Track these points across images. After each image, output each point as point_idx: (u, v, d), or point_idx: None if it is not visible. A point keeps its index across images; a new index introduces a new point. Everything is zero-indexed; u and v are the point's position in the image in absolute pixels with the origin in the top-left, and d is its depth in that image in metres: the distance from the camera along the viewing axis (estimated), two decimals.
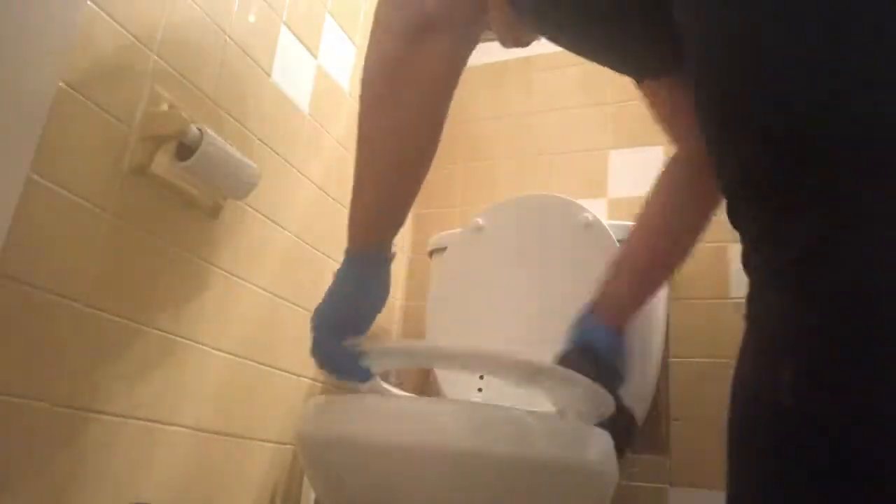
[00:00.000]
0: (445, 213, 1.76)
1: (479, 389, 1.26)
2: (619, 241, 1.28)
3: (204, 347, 1.09)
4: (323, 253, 1.41)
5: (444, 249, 1.44)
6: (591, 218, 1.31)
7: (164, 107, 0.99)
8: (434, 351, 0.91)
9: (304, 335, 1.33)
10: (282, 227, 1.28)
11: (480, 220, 1.41)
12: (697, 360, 1.40)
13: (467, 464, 0.86)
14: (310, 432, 0.94)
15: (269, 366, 1.24)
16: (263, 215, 1.23)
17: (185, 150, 0.99)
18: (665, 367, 1.40)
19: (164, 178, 0.99)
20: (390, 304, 1.65)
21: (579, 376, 0.95)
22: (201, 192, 1.06)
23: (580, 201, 1.35)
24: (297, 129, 1.33)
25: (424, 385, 1.55)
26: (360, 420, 0.89)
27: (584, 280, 1.26)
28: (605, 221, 1.31)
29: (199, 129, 0.99)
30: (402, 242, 1.74)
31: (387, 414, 0.89)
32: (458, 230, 1.45)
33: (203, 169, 1.00)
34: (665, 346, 1.37)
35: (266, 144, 1.23)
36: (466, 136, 1.81)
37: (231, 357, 1.15)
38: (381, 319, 1.60)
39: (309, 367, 1.35)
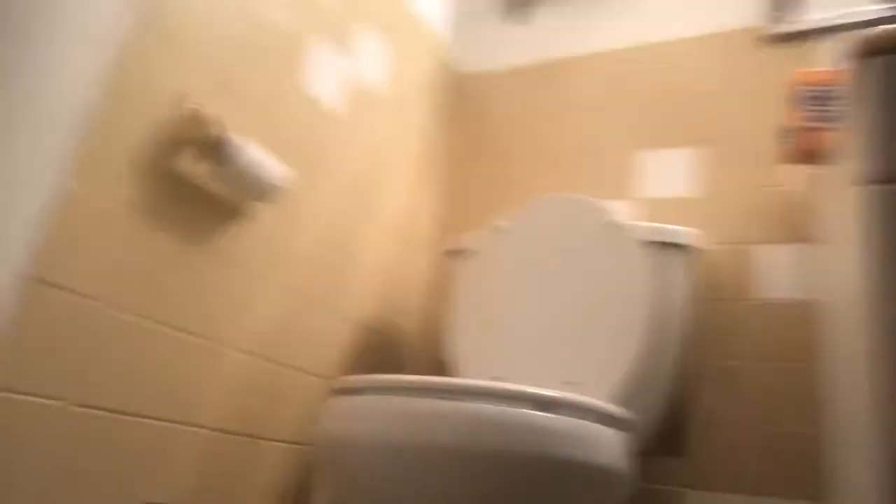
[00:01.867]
0: (470, 216, 1.76)
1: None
2: (645, 243, 1.27)
3: (223, 347, 1.11)
4: (349, 255, 1.42)
5: (467, 251, 1.45)
6: (617, 220, 1.29)
7: (192, 109, 1.02)
8: (451, 386, 0.93)
9: (324, 336, 1.36)
10: (308, 229, 1.30)
11: (505, 222, 1.41)
12: (718, 362, 1.38)
13: (481, 464, 0.86)
14: (325, 432, 0.95)
15: (289, 366, 1.26)
16: (290, 217, 1.25)
17: (213, 152, 1.01)
18: (684, 368, 1.37)
19: (191, 180, 1.02)
20: (409, 306, 1.68)
21: (593, 402, 0.94)
22: (228, 194, 1.08)
23: (607, 203, 1.34)
24: (327, 131, 1.35)
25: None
26: (373, 420, 0.90)
27: (610, 282, 1.26)
28: (633, 223, 1.30)
29: (227, 132, 1.01)
30: (425, 244, 1.75)
31: (402, 414, 0.89)
32: (482, 232, 1.45)
33: (230, 172, 1.02)
34: (685, 348, 1.35)
35: (294, 146, 1.25)
36: (491, 138, 1.81)
37: (249, 357, 1.17)
38: (403, 321, 1.63)
39: (329, 366, 1.36)
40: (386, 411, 0.91)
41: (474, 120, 1.87)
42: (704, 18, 1.67)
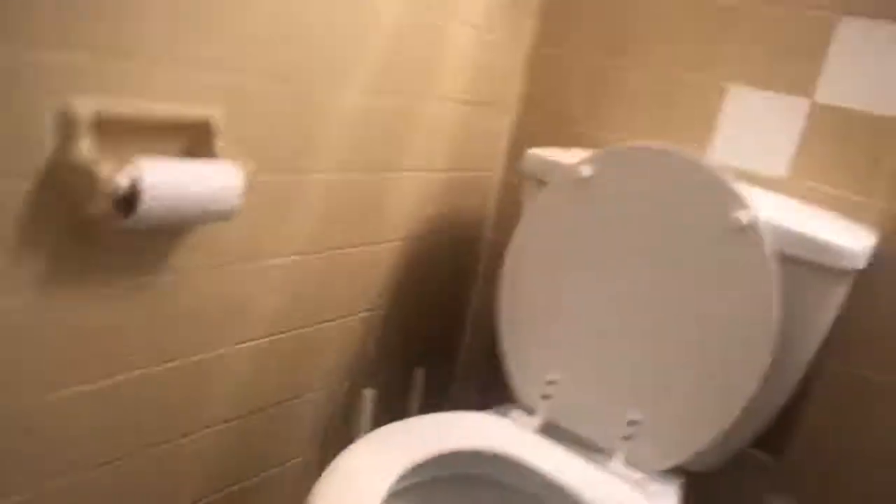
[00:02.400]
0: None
1: (545, 397, 1.04)
2: (778, 251, 0.87)
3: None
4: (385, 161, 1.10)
5: (543, 186, 1.07)
6: (746, 220, 0.87)
7: (81, 158, 0.67)
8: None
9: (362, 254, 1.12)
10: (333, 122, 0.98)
11: (588, 169, 1.00)
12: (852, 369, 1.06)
13: None
14: None
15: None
16: (307, 117, 0.93)
17: (126, 201, 0.70)
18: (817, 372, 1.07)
19: (108, 229, 0.73)
20: (475, 236, 1.34)
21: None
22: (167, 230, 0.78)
23: (746, 187, 0.90)
24: None
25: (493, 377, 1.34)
26: None
27: (725, 297, 0.90)
28: (775, 224, 0.88)
29: (141, 181, 0.68)
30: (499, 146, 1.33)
31: None
32: (566, 167, 1.05)
33: (153, 221, 0.72)
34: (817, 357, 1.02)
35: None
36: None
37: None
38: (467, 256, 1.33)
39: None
40: None
41: None
42: None
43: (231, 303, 0.93)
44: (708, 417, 0.91)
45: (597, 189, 1.00)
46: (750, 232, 0.88)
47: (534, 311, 1.06)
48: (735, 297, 0.89)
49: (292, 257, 0.99)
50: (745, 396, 0.89)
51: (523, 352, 1.07)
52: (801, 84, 1.08)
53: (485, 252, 1.43)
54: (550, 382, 1.04)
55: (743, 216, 0.88)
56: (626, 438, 0.97)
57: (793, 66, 1.08)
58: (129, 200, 0.69)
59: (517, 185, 1.33)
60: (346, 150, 1.01)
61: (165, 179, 0.70)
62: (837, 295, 0.92)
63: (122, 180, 0.67)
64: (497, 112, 1.32)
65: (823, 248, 0.88)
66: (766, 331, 0.87)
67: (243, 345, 0.97)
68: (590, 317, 1.01)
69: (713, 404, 0.91)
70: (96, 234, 0.74)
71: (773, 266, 0.86)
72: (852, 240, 0.89)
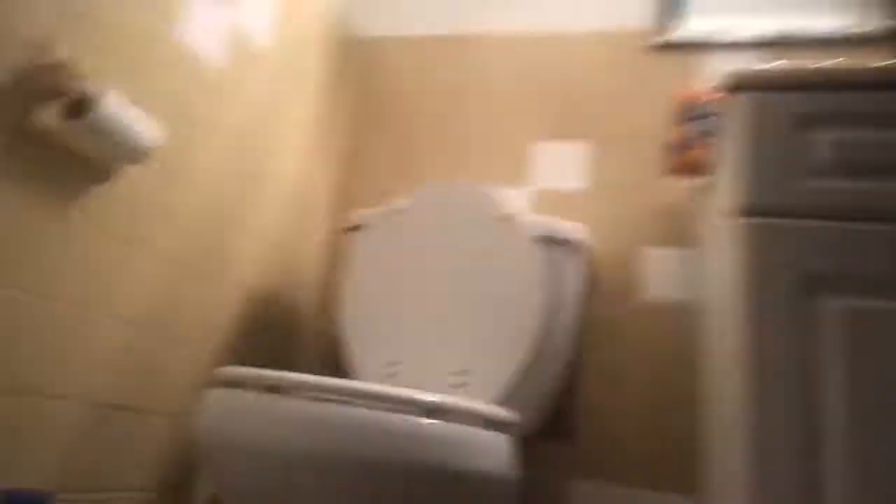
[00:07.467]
0: (369, 187, 1.69)
1: (390, 375, 1.24)
2: (538, 238, 1.27)
3: (96, 316, 1.00)
4: (236, 221, 1.32)
5: (363, 228, 1.39)
6: (511, 213, 1.28)
7: (56, 59, 0.88)
8: (335, 388, 0.86)
9: (208, 306, 1.26)
10: (187, 191, 1.19)
11: (401, 203, 1.36)
12: (604, 356, 1.42)
13: (363, 471, 0.83)
14: (203, 428, 0.89)
15: (171, 337, 1.16)
16: (167, 178, 1.13)
17: (78, 109, 0.88)
18: (573, 360, 1.40)
19: (52, 137, 0.89)
20: (303, 277, 1.60)
21: (481, 407, 0.93)
22: (95, 153, 0.95)
23: (501, 193, 1.32)
24: (206, 84, 1.22)
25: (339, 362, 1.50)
26: (253, 421, 0.85)
27: (503, 275, 1.25)
28: (526, 217, 1.30)
29: (95, 87, 0.89)
30: (322, 213, 1.66)
31: (284, 416, 0.84)
32: (379, 210, 1.40)
33: (96, 130, 0.90)
34: (573, 341, 1.37)
35: (168, 100, 1.12)
36: (391, 109, 1.74)
37: (126, 326, 1.06)
38: (297, 292, 1.55)
39: (215, 336, 1.27)
40: (267, 412, 0.86)
41: (374, 88, 1.78)
42: (605, 14, 1.67)
43: (109, 269, 1.02)
44: (506, 361, 1.20)
45: (410, 217, 1.34)
46: (512, 219, 1.28)
47: (373, 317, 1.30)
48: (511, 266, 1.25)
49: None
50: (529, 336, 1.20)
51: (368, 348, 1.27)
52: None
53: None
54: (392, 364, 1.24)
55: (505, 210, 1.28)
56: (456, 386, 1.19)
57: None
58: (84, 106, 0.88)
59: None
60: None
61: (115, 101, 0.91)
62: (573, 262, 1.32)
63: (85, 83, 0.87)
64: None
65: (559, 228, 1.31)
66: (535, 283, 1.23)
67: (114, 320, 1.04)
68: (416, 313, 1.28)
69: (507, 348, 1.20)
70: (46, 142, 0.88)
71: (531, 241, 1.26)
72: (576, 226, 1.34)
